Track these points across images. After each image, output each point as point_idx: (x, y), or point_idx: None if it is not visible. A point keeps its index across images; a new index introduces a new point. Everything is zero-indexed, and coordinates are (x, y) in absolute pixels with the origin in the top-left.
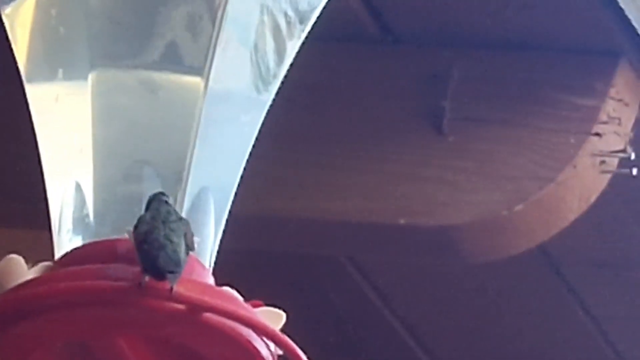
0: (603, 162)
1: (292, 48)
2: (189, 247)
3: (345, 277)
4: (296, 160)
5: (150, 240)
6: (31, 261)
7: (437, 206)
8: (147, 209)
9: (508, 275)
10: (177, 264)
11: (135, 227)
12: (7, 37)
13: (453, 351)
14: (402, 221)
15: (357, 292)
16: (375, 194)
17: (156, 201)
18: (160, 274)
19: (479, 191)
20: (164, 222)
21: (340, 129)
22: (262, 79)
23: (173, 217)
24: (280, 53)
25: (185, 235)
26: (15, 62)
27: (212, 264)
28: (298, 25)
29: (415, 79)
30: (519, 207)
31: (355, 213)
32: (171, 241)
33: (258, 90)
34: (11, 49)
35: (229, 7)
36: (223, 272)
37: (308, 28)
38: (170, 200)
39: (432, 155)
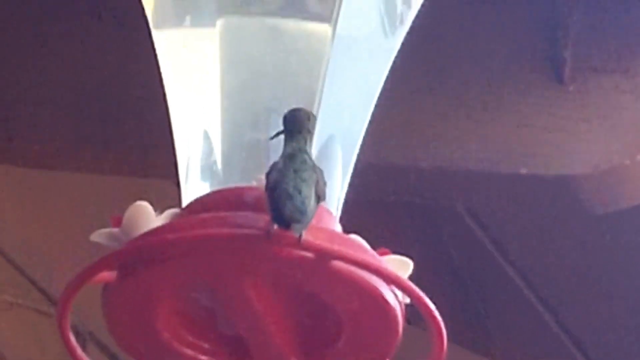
0: None
1: None
2: (320, 197)
3: (462, 228)
4: (416, 111)
5: (280, 190)
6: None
7: (557, 156)
8: (288, 140)
9: (628, 227)
10: (304, 213)
11: (267, 174)
12: None
13: (570, 303)
14: (522, 171)
15: (475, 242)
16: (495, 144)
17: (295, 140)
18: (286, 223)
19: (600, 141)
20: (295, 171)
21: (459, 79)
22: (390, 24)
23: (306, 166)
24: None
25: (316, 184)
26: (142, 9)
27: (340, 212)
28: None
29: (535, 29)
30: None
31: (475, 162)
32: (300, 191)
33: (386, 36)
34: None
35: None
36: (341, 221)
37: None
38: (306, 142)
39: (552, 105)
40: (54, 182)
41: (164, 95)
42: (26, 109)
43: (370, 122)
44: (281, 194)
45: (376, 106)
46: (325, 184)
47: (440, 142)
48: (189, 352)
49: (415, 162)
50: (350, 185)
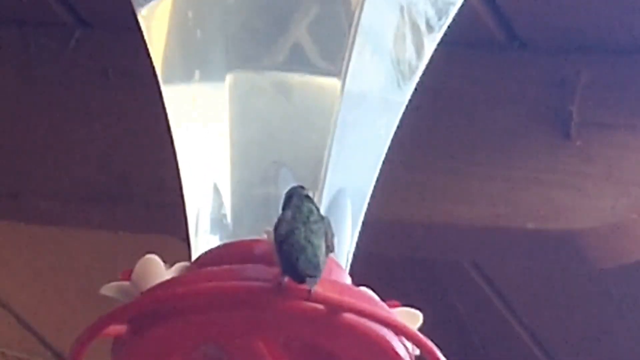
0: None
1: (431, 43)
2: (329, 249)
3: (469, 283)
4: (422, 166)
5: (291, 242)
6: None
7: (564, 211)
8: (286, 205)
9: (633, 282)
10: (317, 267)
11: (276, 227)
12: (143, 39)
13: (575, 357)
14: (529, 226)
15: (481, 297)
16: (501, 199)
17: (296, 196)
18: (300, 277)
19: (606, 196)
20: (304, 223)
21: (466, 134)
22: (400, 76)
23: (314, 217)
24: (418, 50)
25: (325, 235)
26: (151, 65)
27: (349, 264)
28: (437, 22)
29: (542, 84)
30: None
31: (481, 218)
32: (311, 243)
33: (395, 89)
34: (147, 51)
35: (365, 8)
36: (350, 275)
37: (447, 23)
38: (310, 194)
39: (559, 161)
40: (62, 238)
41: (174, 150)
42: (32, 164)
43: (378, 177)
44: (293, 246)
45: (384, 161)
46: (333, 235)
47: (447, 198)
48: None
49: (421, 217)
50: (357, 239)
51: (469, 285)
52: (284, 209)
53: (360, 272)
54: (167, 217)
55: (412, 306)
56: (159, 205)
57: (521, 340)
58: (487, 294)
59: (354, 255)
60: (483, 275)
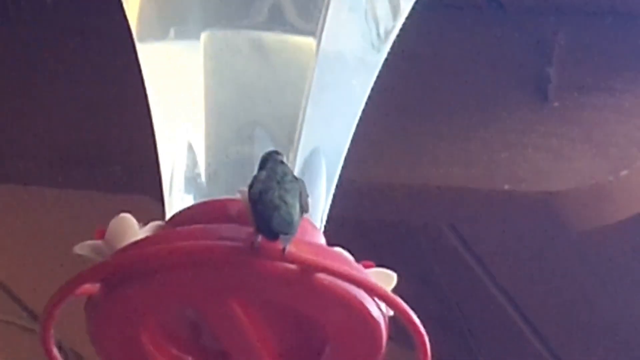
0: None
1: (407, 3)
2: (303, 209)
3: (445, 245)
4: (399, 128)
5: (265, 201)
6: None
7: (542, 173)
8: (261, 168)
9: (610, 243)
10: (291, 225)
11: (250, 186)
12: None
13: (553, 320)
14: (506, 187)
15: (457, 260)
16: (479, 161)
17: (271, 160)
18: (273, 235)
19: (583, 158)
20: (279, 183)
21: (444, 96)
22: (375, 37)
23: (288, 178)
24: (394, 10)
25: (300, 195)
26: (127, 24)
27: (323, 225)
28: None
29: (520, 46)
30: (624, 174)
31: (458, 180)
32: (285, 202)
33: (371, 49)
34: (122, 9)
35: None
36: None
37: None
38: (285, 160)
39: (537, 122)
40: (37, 199)
41: (148, 109)
42: (11, 125)
43: (354, 139)
44: (267, 204)
45: (359, 124)
46: (308, 195)
47: (423, 160)
48: None
49: (398, 179)
50: (333, 202)
51: (445, 247)
52: (259, 170)
53: (336, 235)
54: (145, 178)
55: (387, 267)
56: (137, 165)
57: (497, 302)
58: (463, 256)
59: (330, 218)
60: (459, 237)
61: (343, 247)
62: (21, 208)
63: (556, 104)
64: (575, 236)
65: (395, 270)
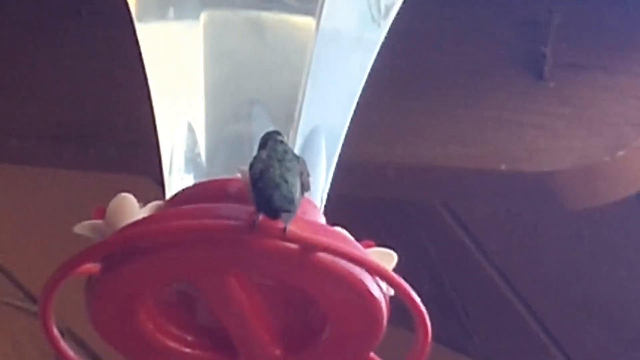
0: None
1: None
2: (304, 187)
3: (440, 224)
4: (395, 107)
5: (266, 179)
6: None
7: (537, 152)
8: (262, 147)
9: (605, 223)
10: (292, 203)
11: (251, 165)
12: None
13: (548, 299)
14: (502, 167)
15: (452, 239)
16: (474, 140)
17: (272, 140)
18: (274, 213)
19: (579, 137)
20: (279, 161)
21: (439, 75)
22: (373, 16)
23: (289, 156)
24: None
25: (301, 174)
26: (125, 3)
27: (324, 204)
28: None
29: (515, 25)
30: (620, 153)
31: (453, 159)
32: (286, 180)
33: (370, 28)
34: None
35: None
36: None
37: None
38: (285, 139)
39: (532, 101)
40: (34, 178)
41: (148, 88)
42: (5, 103)
43: (350, 119)
44: (268, 183)
45: (356, 103)
46: (309, 174)
47: (418, 139)
48: (173, 344)
49: (393, 159)
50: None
51: (440, 227)
52: (259, 150)
53: (333, 213)
54: (141, 157)
55: (386, 246)
56: (132, 145)
57: (492, 282)
58: (458, 235)
59: (328, 196)
60: (454, 217)
61: (342, 227)
62: (16, 188)
63: (552, 83)
64: (570, 215)
65: (392, 249)
